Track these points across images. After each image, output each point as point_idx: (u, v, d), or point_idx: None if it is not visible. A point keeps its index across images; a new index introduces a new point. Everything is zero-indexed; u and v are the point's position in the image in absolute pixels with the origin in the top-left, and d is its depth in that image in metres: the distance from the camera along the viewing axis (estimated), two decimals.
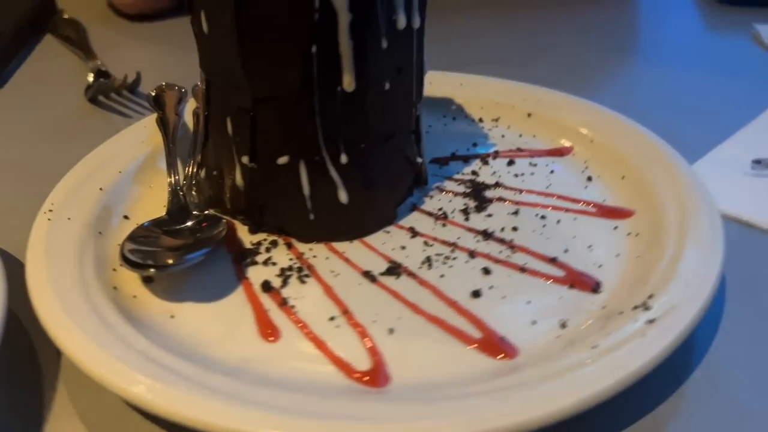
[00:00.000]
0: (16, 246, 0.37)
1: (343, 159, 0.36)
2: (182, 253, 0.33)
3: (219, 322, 0.32)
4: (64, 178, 0.40)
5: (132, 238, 0.34)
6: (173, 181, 0.39)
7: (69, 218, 0.36)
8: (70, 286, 0.32)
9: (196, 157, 0.41)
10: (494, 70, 0.53)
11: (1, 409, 0.30)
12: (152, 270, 0.32)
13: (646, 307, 0.30)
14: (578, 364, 0.27)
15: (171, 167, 0.40)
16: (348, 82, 0.34)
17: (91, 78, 0.60)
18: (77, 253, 0.34)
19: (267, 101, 0.35)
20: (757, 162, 0.46)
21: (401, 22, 0.35)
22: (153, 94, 0.48)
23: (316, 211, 0.37)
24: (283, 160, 0.36)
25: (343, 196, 0.36)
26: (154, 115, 0.46)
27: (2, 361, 0.31)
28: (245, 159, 0.36)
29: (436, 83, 0.51)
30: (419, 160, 0.40)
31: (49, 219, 0.36)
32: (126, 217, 0.39)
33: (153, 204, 0.40)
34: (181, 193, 0.39)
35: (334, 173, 0.36)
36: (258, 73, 0.34)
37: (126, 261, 0.32)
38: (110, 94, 0.59)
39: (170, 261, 0.32)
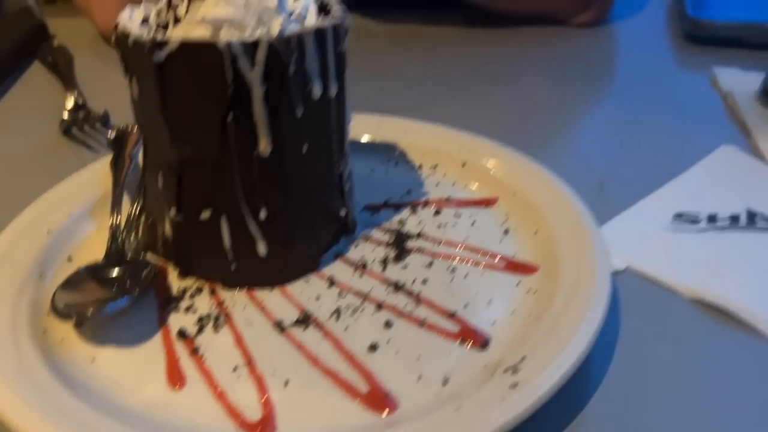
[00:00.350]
0: None
1: (262, 215, 0.39)
2: (104, 303, 0.36)
3: (134, 368, 0.35)
4: (15, 219, 0.43)
5: (65, 285, 0.37)
6: (113, 225, 0.42)
7: (13, 262, 0.40)
8: (1, 332, 0.35)
9: (138, 202, 0.44)
10: (449, 110, 0.57)
11: None
12: (74, 319, 0.35)
13: (515, 369, 0.32)
14: (441, 423, 0.30)
15: (113, 211, 0.43)
16: (264, 147, 0.37)
17: (67, 111, 0.64)
18: (15, 296, 0.38)
19: (190, 161, 0.38)
20: (679, 216, 0.48)
21: (317, 91, 0.38)
22: (111, 136, 0.51)
23: (237, 262, 0.39)
24: (205, 215, 0.39)
25: (262, 249, 0.39)
26: (108, 158, 0.49)
27: None
28: (173, 212, 0.39)
29: (384, 128, 0.54)
30: (343, 212, 0.43)
31: None
32: (69, 259, 0.42)
33: (97, 246, 0.43)
34: (120, 237, 0.42)
35: (253, 228, 0.39)
36: (180, 137, 0.37)
37: (53, 309, 0.35)
38: (84, 127, 0.62)
39: (90, 311, 0.35)
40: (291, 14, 0.38)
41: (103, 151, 0.58)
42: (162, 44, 0.34)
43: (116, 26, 0.37)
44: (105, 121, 0.63)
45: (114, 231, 0.42)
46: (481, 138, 0.52)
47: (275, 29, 0.36)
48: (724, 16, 0.78)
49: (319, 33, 0.36)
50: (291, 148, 0.38)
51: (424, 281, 0.40)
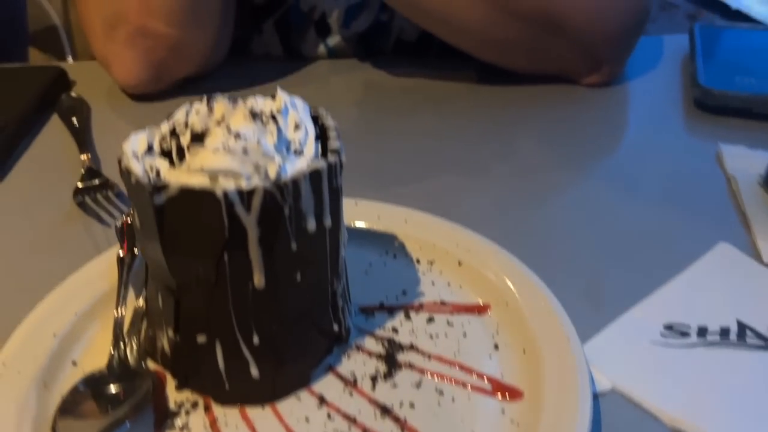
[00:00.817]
0: None
1: (255, 341, 0.40)
2: (102, 428, 0.38)
3: None
4: (22, 324, 0.45)
5: (66, 408, 0.39)
6: (116, 331, 0.44)
7: (19, 372, 0.42)
8: None
9: (141, 303, 0.46)
10: (452, 179, 0.58)
11: None
12: None
13: None
14: None
15: (117, 314, 0.45)
16: (258, 281, 0.38)
17: (81, 179, 0.66)
18: (19, 411, 0.40)
19: (187, 288, 0.39)
20: (669, 327, 0.49)
21: (311, 226, 0.39)
22: (118, 225, 0.53)
23: (230, 382, 0.41)
24: (201, 338, 0.40)
25: (254, 372, 0.41)
26: (116, 248, 0.51)
27: None
28: (170, 332, 0.41)
29: (384, 218, 0.56)
30: (336, 327, 0.44)
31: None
32: (74, 364, 0.44)
33: (102, 348, 0.45)
34: (123, 343, 0.44)
35: (246, 352, 0.40)
36: (177, 269, 0.39)
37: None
38: (97, 196, 0.64)
39: None
40: (289, 145, 0.40)
41: (111, 224, 0.60)
42: (162, 187, 0.36)
43: (120, 160, 0.38)
44: (117, 191, 0.65)
45: (116, 337, 0.44)
46: (477, 237, 0.53)
47: (272, 173, 0.37)
48: (736, 87, 0.77)
49: (314, 174, 0.38)
50: (284, 279, 0.39)
51: (412, 405, 0.42)
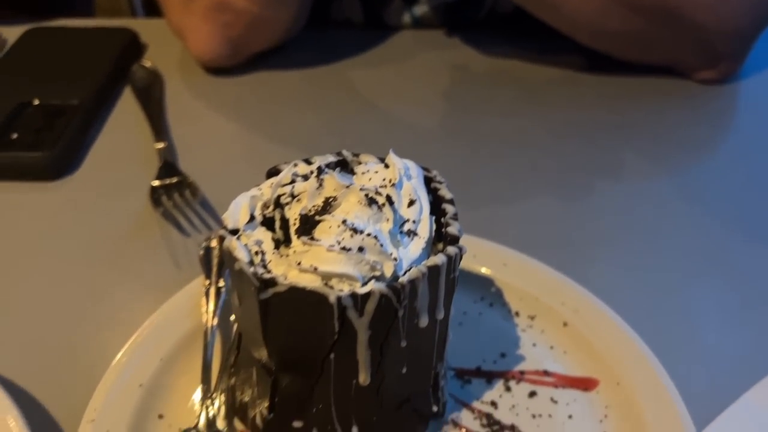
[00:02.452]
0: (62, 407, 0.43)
1: (354, 430, 0.38)
2: None
3: None
4: (108, 373, 0.43)
5: None
6: (204, 390, 0.42)
7: (108, 431, 0.40)
8: None
9: (231, 361, 0.44)
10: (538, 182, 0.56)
11: None
12: None
13: None
14: None
15: (204, 369, 0.43)
16: (363, 379, 0.35)
17: (157, 174, 0.63)
18: None
19: (287, 373, 0.37)
20: None
21: (423, 322, 0.35)
22: (201, 251, 0.51)
23: None
24: (298, 424, 0.38)
25: None
26: (198, 278, 0.49)
27: None
28: (264, 409, 0.39)
29: (482, 257, 0.51)
30: (435, 408, 0.41)
31: None
32: (161, 417, 0.43)
33: (188, 399, 0.43)
34: (210, 400, 0.42)
35: None
36: (278, 358, 0.36)
37: None
38: (174, 196, 0.61)
39: None
40: (403, 224, 0.36)
41: (192, 234, 0.57)
42: (271, 283, 0.32)
43: (222, 238, 0.35)
44: (194, 192, 0.61)
45: (205, 394, 0.42)
46: (585, 294, 0.48)
47: (388, 272, 0.33)
48: None
49: (432, 270, 0.34)
50: (390, 374, 0.36)
51: None
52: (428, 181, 0.39)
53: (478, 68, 0.82)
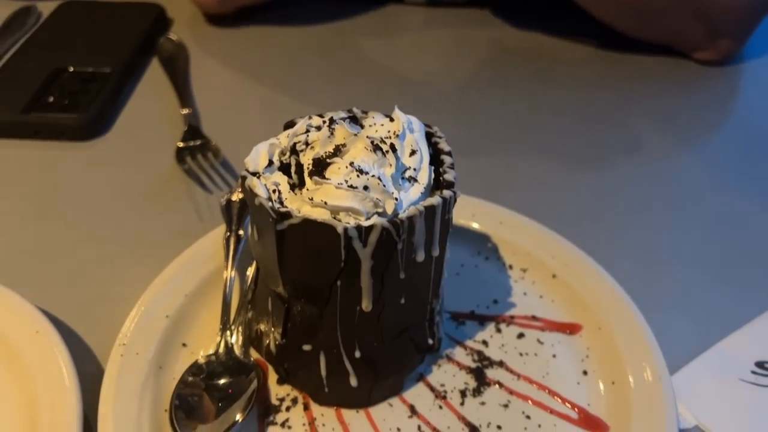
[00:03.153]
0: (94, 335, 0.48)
1: (357, 354, 0.42)
2: (217, 424, 0.41)
3: None
4: (137, 304, 0.48)
5: (179, 400, 0.42)
6: (224, 320, 0.47)
7: (137, 353, 0.45)
8: (125, 425, 0.40)
9: (248, 297, 0.48)
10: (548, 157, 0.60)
11: None
12: None
13: None
14: None
15: (224, 304, 0.48)
16: (366, 306, 0.40)
17: (182, 136, 0.68)
18: (139, 391, 0.43)
19: (298, 301, 0.41)
20: (760, 365, 0.48)
21: (420, 257, 0.40)
22: (223, 202, 0.55)
23: (330, 387, 0.44)
24: (307, 347, 0.42)
25: (353, 382, 0.43)
26: (220, 226, 0.53)
27: None
28: (277, 334, 0.43)
29: (480, 216, 0.56)
30: (430, 341, 0.46)
31: (121, 354, 0.45)
32: (184, 345, 0.47)
33: (209, 331, 0.48)
34: (229, 331, 0.46)
35: (347, 364, 0.42)
36: (291, 285, 0.40)
37: (172, 425, 0.41)
38: (197, 157, 0.66)
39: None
40: (405, 171, 0.40)
41: (214, 191, 0.62)
42: (287, 215, 0.37)
43: (243, 178, 0.39)
44: (216, 153, 0.66)
45: (224, 325, 0.47)
46: (574, 250, 0.53)
47: (389, 209, 0.37)
48: None
49: (429, 210, 0.38)
50: (390, 303, 0.41)
51: (499, 427, 0.43)
52: (429, 136, 0.43)
53: (491, 43, 0.86)
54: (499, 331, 0.49)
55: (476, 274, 0.53)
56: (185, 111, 0.71)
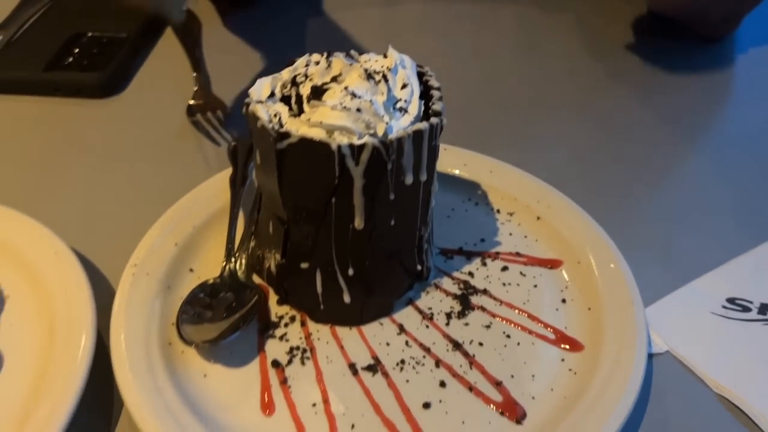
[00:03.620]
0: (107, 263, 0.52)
1: (350, 272, 0.46)
2: (219, 336, 0.44)
3: (235, 389, 0.44)
4: (149, 232, 0.52)
5: (187, 311, 0.46)
6: (229, 246, 0.51)
7: (147, 273, 0.49)
8: (137, 343, 0.44)
9: (251, 223, 0.52)
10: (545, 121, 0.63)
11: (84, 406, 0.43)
12: (194, 345, 0.44)
13: None
14: None
15: (230, 231, 0.51)
16: (359, 224, 0.43)
17: (192, 95, 0.71)
18: (149, 308, 0.47)
19: (297, 221, 0.45)
20: (731, 301, 0.52)
21: (409, 180, 0.43)
22: (230, 147, 0.59)
23: (325, 304, 0.47)
24: (304, 265, 0.46)
25: (346, 298, 0.47)
26: (226, 170, 0.57)
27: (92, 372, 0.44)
28: (277, 255, 0.47)
29: (471, 165, 0.59)
30: (419, 267, 0.49)
31: (132, 274, 0.48)
32: (191, 270, 0.51)
33: (215, 259, 0.51)
34: (233, 258, 0.50)
35: (341, 281, 0.46)
36: (290, 204, 0.44)
37: (180, 336, 0.44)
38: (207, 114, 0.70)
39: (208, 343, 0.44)
40: (396, 102, 0.44)
41: (222, 145, 0.66)
42: (286, 135, 0.41)
43: (247, 104, 0.43)
44: (224, 110, 0.70)
45: (229, 252, 0.50)
46: (558, 194, 0.56)
47: (380, 131, 0.41)
48: None
49: (416, 134, 0.42)
50: (381, 223, 0.44)
51: (481, 344, 0.47)
52: (420, 76, 0.47)
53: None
54: (484, 264, 0.53)
55: (465, 217, 0.57)
56: (196, 74, 0.75)
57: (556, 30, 0.85)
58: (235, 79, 0.77)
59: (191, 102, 0.71)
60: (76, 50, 0.76)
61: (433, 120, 0.43)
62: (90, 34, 0.79)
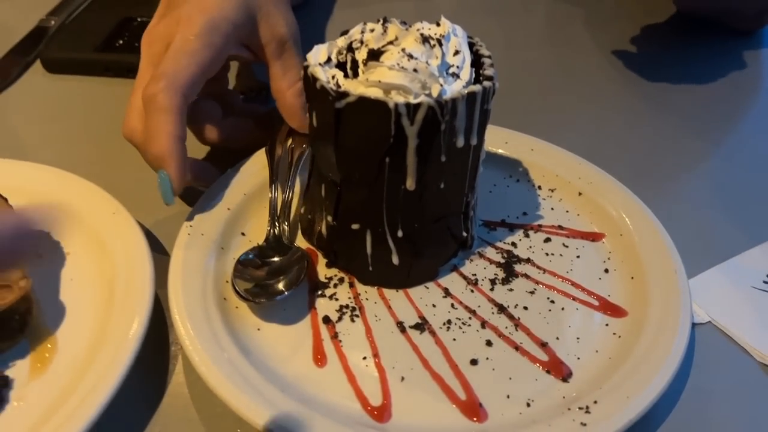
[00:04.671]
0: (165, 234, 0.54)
1: (399, 233, 0.47)
2: (273, 294, 0.46)
3: (288, 342, 0.45)
4: (202, 197, 0.53)
5: (241, 271, 0.47)
6: (271, 212, 0.52)
7: (202, 234, 0.51)
8: (195, 296, 0.46)
9: (291, 193, 0.53)
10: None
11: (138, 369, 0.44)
12: (250, 302, 0.46)
13: (587, 409, 0.40)
14: None
15: (271, 202, 0.52)
16: (410, 184, 0.45)
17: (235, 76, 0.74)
18: (204, 265, 0.48)
19: (350, 183, 0.46)
20: None
21: (460, 142, 0.45)
22: (264, 115, 0.60)
23: (374, 266, 0.48)
24: (355, 226, 0.47)
25: (395, 260, 0.48)
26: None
27: (149, 333, 0.45)
28: (329, 218, 0.49)
29: (512, 143, 0.60)
30: (464, 234, 0.50)
31: (188, 234, 0.50)
32: (243, 234, 0.53)
33: (264, 224, 0.53)
34: (276, 224, 0.51)
35: (391, 242, 0.47)
36: (345, 164, 0.45)
37: (236, 293, 0.46)
38: (250, 95, 0.72)
39: (263, 300, 0.46)
40: (449, 68, 0.45)
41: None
42: (344, 95, 0.42)
43: (305, 68, 0.45)
44: (263, 88, 0.72)
45: (272, 218, 0.52)
46: (600, 172, 0.57)
47: (435, 92, 0.42)
48: None
49: (470, 96, 0.43)
50: (431, 185, 0.46)
51: (525, 308, 0.48)
52: (471, 46, 0.48)
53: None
54: (527, 236, 0.54)
55: (507, 193, 0.58)
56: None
57: (587, 23, 0.86)
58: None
59: (234, 86, 0.73)
60: (126, 34, 0.79)
61: (486, 83, 0.44)
62: (139, 20, 0.82)
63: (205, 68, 0.50)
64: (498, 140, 0.60)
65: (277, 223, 0.52)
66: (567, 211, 0.56)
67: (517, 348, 0.45)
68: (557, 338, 0.46)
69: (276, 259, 0.49)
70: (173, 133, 0.48)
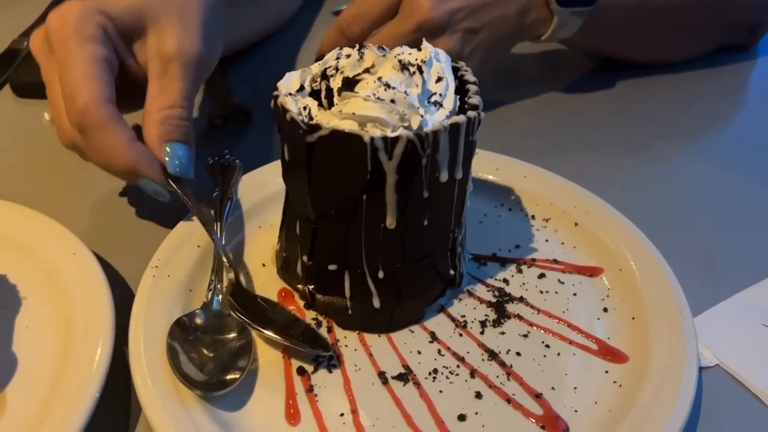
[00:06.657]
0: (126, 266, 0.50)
1: (380, 274, 0.43)
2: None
3: (259, 397, 0.41)
4: (170, 234, 0.50)
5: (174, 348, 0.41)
6: (211, 280, 0.46)
7: (169, 275, 0.47)
8: (157, 348, 0.42)
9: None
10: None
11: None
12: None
13: None
14: None
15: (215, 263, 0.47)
16: (390, 222, 0.41)
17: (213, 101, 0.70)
18: (169, 309, 0.45)
19: (326, 221, 0.43)
20: None
21: (444, 177, 0.41)
22: (210, 163, 0.56)
23: (354, 309, 0.45)
24: (332, 267, 0.44)
25: (376, 303, 0.44)
26: (264, 167, 0.55)
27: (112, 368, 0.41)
28: (305, 257, 0.45)
29: (504, 170, 0.57)
30: (452, 272, 0.47)
31: (153, 276, 0.46)
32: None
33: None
34: (213, 291, 0.46)
35: (371, 284, 0.44)
36: (319, 202, 0.42)
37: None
38: (230, 119, 0.69)
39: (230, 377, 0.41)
40: (431, 96, 0.42)
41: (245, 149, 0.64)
42: (316, 128, 0.39)
43: (275, 97, 0.41)
44: (248, 116, 0.69)
45: (212, 288, 0.46)
46: (596, 199, 0.53)
47: (414, 124, 0.39)
48: None
49: (453, 128, 0.39)
50: (413, 223, 0.42)
51: (518, 353, 0.44)
52: (455, 71, 0.45)
53: None
54: (520, 271, 0.50)
55: (498, 223, 0.54)
56: (217, 81, 0.74)
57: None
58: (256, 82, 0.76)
59: (212, 110, 0.70)
60: None
61: (471, 113, 0.40)
62: None
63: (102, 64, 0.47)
64: (488, 166, 0.57)
65: (210, 290, 0.46)
66: (563, 243, 0.52)
67: (509, 401, 0.41)
68: (552, 388, 0.42)
69: (215, 338, 0.43)
70: (124, 141, 0.47)
